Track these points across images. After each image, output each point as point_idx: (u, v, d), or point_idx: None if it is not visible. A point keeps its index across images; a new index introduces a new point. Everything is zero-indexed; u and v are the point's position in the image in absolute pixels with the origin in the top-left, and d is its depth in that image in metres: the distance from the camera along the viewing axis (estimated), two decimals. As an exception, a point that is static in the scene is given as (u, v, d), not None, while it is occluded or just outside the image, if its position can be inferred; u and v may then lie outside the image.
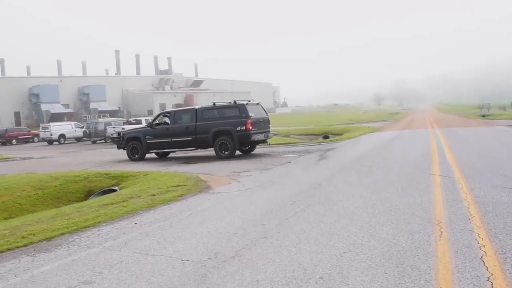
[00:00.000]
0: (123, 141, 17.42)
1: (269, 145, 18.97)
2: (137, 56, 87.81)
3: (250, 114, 15.34)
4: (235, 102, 15.94)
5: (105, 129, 33.83)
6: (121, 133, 18.29)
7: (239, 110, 15.48)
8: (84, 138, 37.27)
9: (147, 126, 17.73)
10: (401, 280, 3.74)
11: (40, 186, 11.65)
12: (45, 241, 5.85)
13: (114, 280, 4.21)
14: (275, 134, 19.30)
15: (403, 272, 3.92)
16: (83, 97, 67.56)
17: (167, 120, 17.04)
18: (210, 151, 17.13)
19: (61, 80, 67.66)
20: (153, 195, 8.66)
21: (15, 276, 4.54)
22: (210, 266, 4.38)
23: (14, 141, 41.07)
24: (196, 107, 16.98)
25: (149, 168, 13.68)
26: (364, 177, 9.49)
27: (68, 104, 65.56)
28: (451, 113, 59.49)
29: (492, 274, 3.74)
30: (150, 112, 63.68)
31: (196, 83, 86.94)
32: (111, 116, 55.38)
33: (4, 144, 39.93)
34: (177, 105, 62.90)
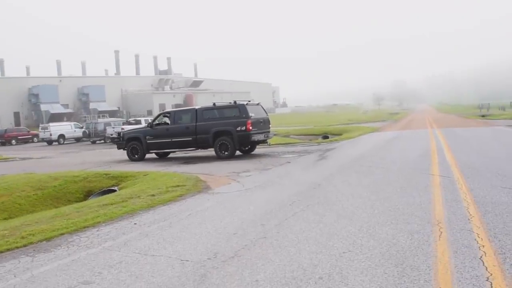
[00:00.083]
0: (123, 141, 17.42)
1: (269, 145, 18.97)
2: (137, 56, 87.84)
3: (250, 114, 15.33)
4: (235, 102, 15.92)
5: (105, 129, 33.83)
6: (121, 133, 18.30)
7: (239, 110, 15.48)
8: (84, 139, 37.29)
9: (147, 126, 17.72)
10: (401, 280, 3.74)
11: (40, 187, 11.64)
12: (44, 242, 5.85)
13: (113, 280, 4.21)
14: (274, 134, 19.29)
15: (402, 272, 3.93)
16: (83, 97, 67.54)
17: (167, 120, 17.04)
18: (210, 152, 17.13)
19: (60, 80, 67.66)
20: (153, 195, 8.66)
21: (15, 276, 4.54)
22: (209, 266, 4.38)
23: (13, 141, 41.09)
24: (196, 107, 16.96)
25: (148, 169, 13.68)
26: (364, 177, 9.49)
27: (67, 104, 65.54)
28: (450, 113, 59.50)
29: (491, 274, 3.75)
30: (149, 112, 63.69)
31: (196, 83, 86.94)
32: (110, 116, 55.31)
33: (3, 144, 39.93)
34: (177, 105, 62.93)
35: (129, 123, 33.52)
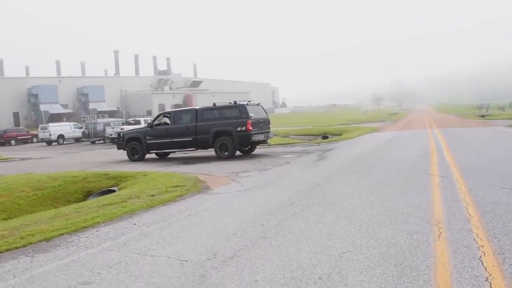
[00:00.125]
0: (123, 141, 17.41)
1: (269, 145, 18.96)
2: (136, 57, 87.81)
3: (251, 114, 15.33)
4: (235, 102, 15.90)
5: (104, 129, 33.83)
6: (121, 133, 18.29)
7: (239, 110, 15.47)
8: (83, 139, 37.29)
9: (147, 126, 17.71)
10: (400, 281, 3.74)
11: (39, 187, 11.64)
12: (44, 242, 5.84)
13: (113, 280, 4.21)
14: (274, 135, 19.29)
15: (402, 272, 3.93)
16: (82, 98, 67.47)
17: (167, 120, 17.03)
18: (209, 152, 17.13)
19: (60, 81, 67.62)
20: (152, 195, 8.66)
21: (14, 276, 4.53)
22: (209, 267, 4.38)
23: (13, 141, 41.06)
24: (196, 107, 16.94)
25: (148, 169, 13.68)
26: (363, 178, 9.49)
27: (67, 105, 65.50)
28: (450, 114, 59.54)
29: (490, 274, 3.75)
30: (149, 113, 63.66)
31: (195, 84, 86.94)
32: (110, 117, 55.27)
33: (3, 144, 39.89)
34: (176, 106, 62.91)
35: (129, 123, 33.51)
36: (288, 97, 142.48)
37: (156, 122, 17.30)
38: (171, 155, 17.98)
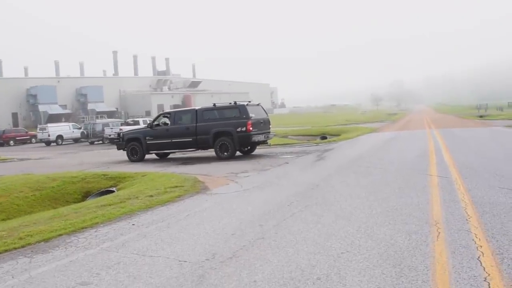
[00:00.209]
0: (123, 142, 17.40)
1: (270, 145, 18.96)
2: (135, 57, 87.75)
3: (251, 115, 15.33)
4: (235, 103, 15.89)
5: (103, 130, 33.80)
6: (121, 134, 18.28)
7: (239, 111, 15.47)
8: (82, 139, 37.27)
9: (147, 127, 17.70)
10: (399, 281, 3.75)
11: (38, 187, 11.62)
12: (42, 242, 5.84)
13: (111, 281, 4.20)
14: (274, 135, 19.29)
15: (400, 272, 3.93)
16: (81, 98, 67.42)
17: (167, 121, 17.01)
18: (208, 152, 17.14)
19: (58, 81, 67.54)
20: (151, 196, 8.65)
21: (13, 277, 4.53)
22: (207, 267, 4.38)
23: (11, 142, 41.00)
24: (196, 108, 16.93)
25: (147, 169, 13.67)
26: (362, 178, 9.50)
27: (65, 105, 65.42)
28: (448, 114, 59.60)
29: (489, 275, 3.75)
30: (148, 113, 63.62)
31: (194, 84, 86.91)
32: (108, 117, 55.24)
33: (1, 145, 39.83)
34: (175, 106, 62.88)
35: (128, 124, 33.50)
36: (287, 98, 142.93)
37: (156, 122, 17.29)
38: (170, 156, 17.98)
